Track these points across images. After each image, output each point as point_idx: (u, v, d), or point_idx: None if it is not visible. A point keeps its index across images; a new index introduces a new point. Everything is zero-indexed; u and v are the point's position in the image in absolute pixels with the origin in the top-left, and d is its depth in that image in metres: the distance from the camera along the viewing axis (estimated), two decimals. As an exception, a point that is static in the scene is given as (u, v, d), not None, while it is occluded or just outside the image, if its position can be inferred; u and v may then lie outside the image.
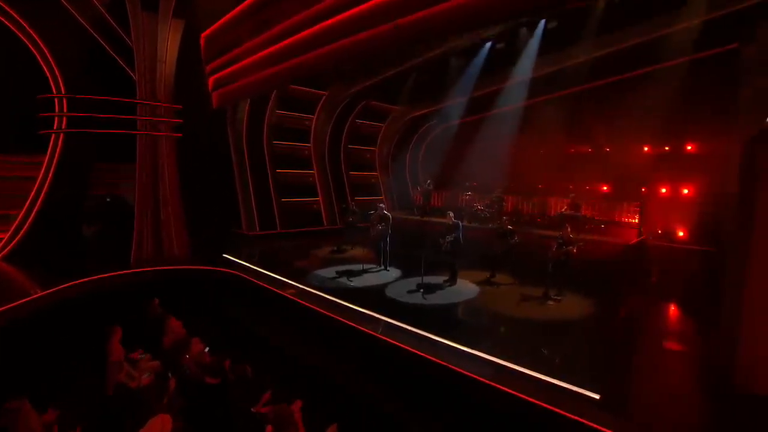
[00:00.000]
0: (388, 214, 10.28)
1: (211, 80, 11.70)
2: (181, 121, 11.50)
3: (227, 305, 9.29)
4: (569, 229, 8.25)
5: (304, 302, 8.01)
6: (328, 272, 10.07)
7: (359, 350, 6.59)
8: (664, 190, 14.28)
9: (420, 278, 8.70)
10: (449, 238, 8.74)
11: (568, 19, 12.11)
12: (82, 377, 4.88)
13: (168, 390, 4.54)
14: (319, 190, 16.76)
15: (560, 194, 15.21)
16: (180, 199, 11.54)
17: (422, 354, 5.83)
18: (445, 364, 5.53)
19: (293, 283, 9.07)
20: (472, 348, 5.76)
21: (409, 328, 6.56)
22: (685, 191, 13.97)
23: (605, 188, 15.62)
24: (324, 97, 16.30)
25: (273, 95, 14.50)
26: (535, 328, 6.72)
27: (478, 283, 9.00)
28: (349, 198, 17.58)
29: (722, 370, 4.84)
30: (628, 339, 6.28)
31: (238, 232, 13.93)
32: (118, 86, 10.99)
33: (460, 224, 9.03)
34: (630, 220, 13.22)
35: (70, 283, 8.69)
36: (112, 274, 9.34)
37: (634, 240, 12.08)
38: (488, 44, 14.12)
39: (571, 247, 7.93)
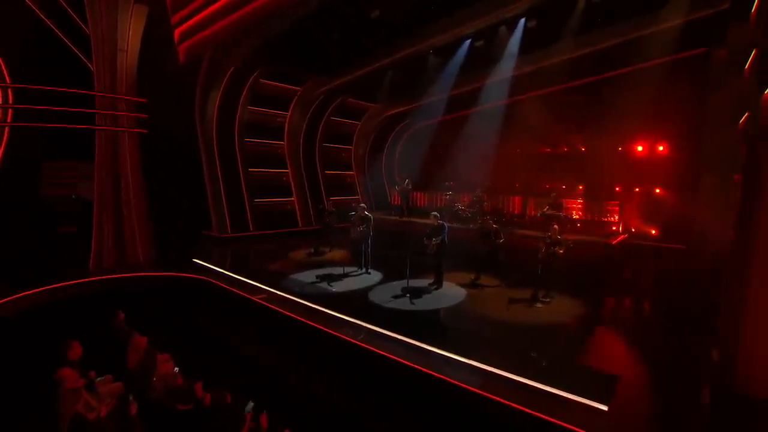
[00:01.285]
0: (370, 215, 9.90)
1: (177, 32, 10.76)
2: (145, 116, 10.65)
3: (198, 315, 8.62)
4: (557, 229, 8.11)
5: (283, 310, 7.50)
6: (307, 276, 9.56)
7: (345, 362, 6.16)
8: (637, 189, 14.58)
9: (405, 282, 8.41)
10: (435, 240, 8.43)
11: (547, 19, 12.12)
12: (31, 408, 4.21)
13: (130, 418, 3.98)
14: (293, 190, 16.19)
15: (538, 193, 15.30)
16: (144, 199, 10.70)
17: (413, 365, 5.48)
18: (439, 375, 5.20)
19: (270, 289, 8.52)
20: (467, 357, 5.44)
21: (398, 336, 6.18)
22: (657, 190, 14.32)
23: (580, 187, 15.78)
24: (298, 93, 15.72)
25: (245, 90, 13.80)
26: (528, 332, 6.48)
27: (464, 286, 8.76)
28: (324, 198, 17.08)
29: (723, 373, 4.75)
30: (623, 342, 6.15)
31: (209, 235, 13.15)
32: (73, 77, 10.07)
33: (446, 225, 8.74)
34: (609, 219, 13.34)
35: (18, 295, 7.80)
36: (68, 283, 8.47)
37: (618, 239, 12.19)
38: (467, 42, 13.93)
39: (558, 248, 7.81)
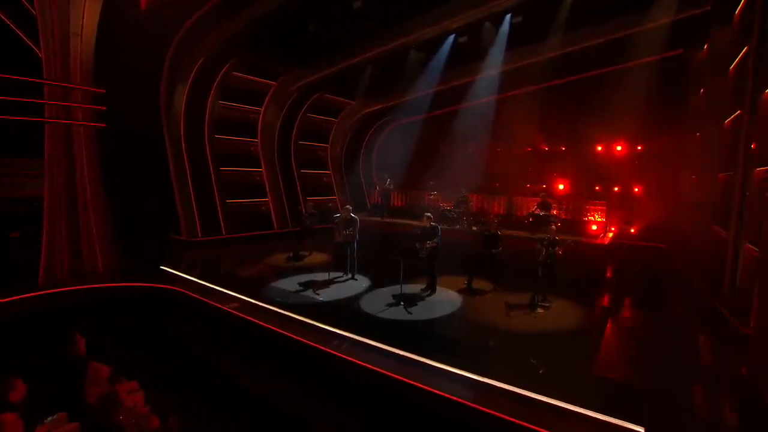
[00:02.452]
0: (356, 217, 9.28)
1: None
2: (104, 108, 9.54)
3: (169, 331, 7.69)
4: (555, 229, 7.80)
5: (265, 323, 6.76)
6: (290, 284, 8.83)
7: (340, 381, 5.53)
8: (616, 189, 14.72)
9: (396, 288, 7.91)
10: (430, 243, 7.92)
11: (532, 16, 11.92)
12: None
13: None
14: (268, 190, 15.35)
15: (521, 193, 15.20)
16: (104, 201, 9.59)
17: (419, 384, 4.94)
18: (451, 397, 4.68)
19: (249, 299, 7.74)
20: (479, 374, 4.94)
21: (399, 351, 5.61)
22: (636, 189, 14.50)
23: (561, 186, 15.80)
24: (273, 88, 14.88)
25: (215, 83, 12.84)
26: (536, 342, 6.06)
27: (457, 291, 8.33)
28: (301, 198, 16.36)
29: (754, 385, 4.48)
30: (637, 350, 5.84)
31: (177, 239, 12.12)
32: (18, 63, 8.88)
33: (439, 228, 8.25)
34: (592, 218, 13.30)
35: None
36: (11, 298, 7.35)
37: (608, 239, 12.14)
38: (449, 39, 13.55)
39: (557, 249, 7.50)
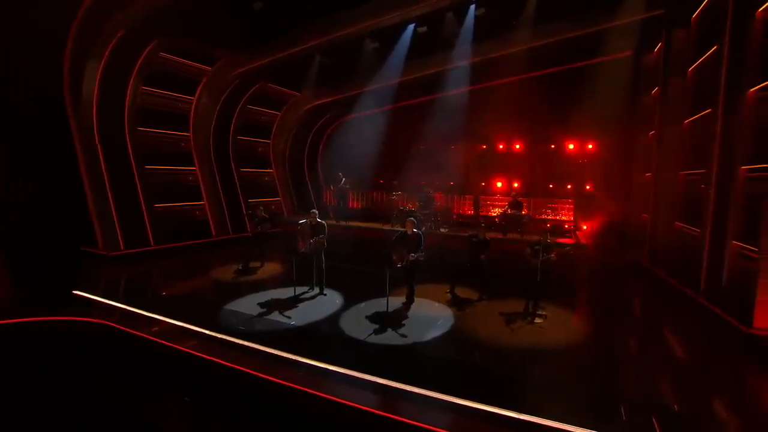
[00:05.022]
0: (323, 222, 8.02)
1: None
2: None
3: (92, 382, 5.80)
4: (549, 233, 7.27)
5: (231, 363, 5.30)
6: (249, 305, 7.31)
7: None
8: (569, 186, 14.95)
9: (373, 303, 7.09)
10: (413, 255, 6.94)
11: (494, 8, 11.53)
12: None
13: None
14: (203, 192, 13.45)
15: (482, 192, 14.90)
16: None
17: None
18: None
19: (201, 329, 6.19)
20: (523, 412, 4.09)
21: (410, 388, 4.58)
22: (587, 187, 14.82)
23: (516, 185, 15.76)
24: (208, 74, 12.97)
25: (138, 64, 10.70)
26: (557, 361, 5.38)
27: (442, 302, 7.50)
28: (242, 201, 14.60)
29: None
30: (663, 367, 5.39)
31: (93, 253, 9.86)
32: None
33: (422, 235, 7.32)
34: (565, 218, 13.24)
35: None
36: None
37: (584, 240, 12.05)
38: (408, 29, 12.72)
39: (552, 254, 6.96)
